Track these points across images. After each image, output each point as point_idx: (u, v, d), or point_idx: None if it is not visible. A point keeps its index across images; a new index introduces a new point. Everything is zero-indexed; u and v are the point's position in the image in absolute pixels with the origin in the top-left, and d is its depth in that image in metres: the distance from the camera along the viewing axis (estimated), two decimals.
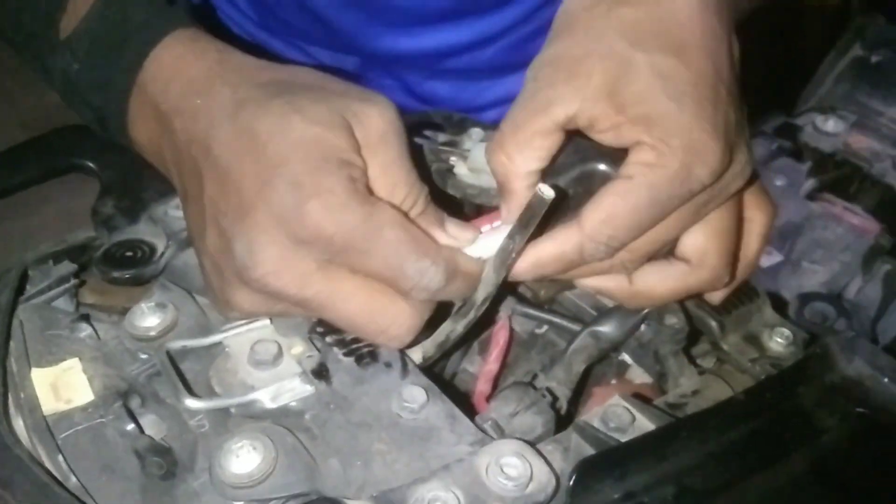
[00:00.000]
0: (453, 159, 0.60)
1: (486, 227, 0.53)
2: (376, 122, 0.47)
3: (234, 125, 0.47)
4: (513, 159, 0.49)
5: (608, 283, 0.53)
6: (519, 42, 0.92)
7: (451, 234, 0.50)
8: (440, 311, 0.51)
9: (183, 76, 0.52)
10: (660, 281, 0.52)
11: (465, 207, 0.62)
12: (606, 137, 0.48)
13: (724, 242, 0.52)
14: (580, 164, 0.50)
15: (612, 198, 0.47)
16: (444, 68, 0.94)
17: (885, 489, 0.48)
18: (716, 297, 0.55)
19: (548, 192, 0.45)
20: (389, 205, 0.47)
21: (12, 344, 0.51)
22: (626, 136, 0.47)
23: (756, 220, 0.55)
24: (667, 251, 0.52)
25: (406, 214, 0.48)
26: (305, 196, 0.44)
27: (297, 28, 0.92)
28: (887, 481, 0.49)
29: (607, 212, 0.47)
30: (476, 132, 0.69)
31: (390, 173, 0.47)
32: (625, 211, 0.47)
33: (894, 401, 0.51)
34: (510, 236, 0.48)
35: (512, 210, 0.50)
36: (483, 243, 0.50)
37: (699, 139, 0.46)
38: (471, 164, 0.59)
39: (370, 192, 0.47)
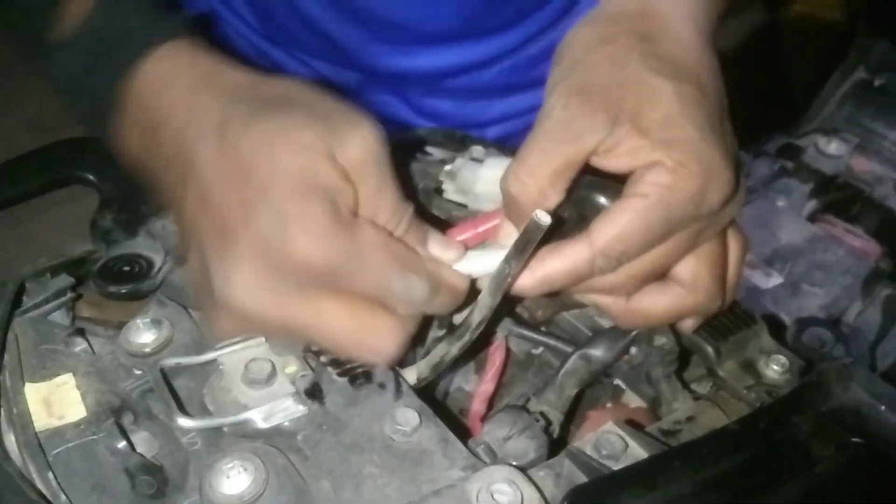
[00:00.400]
0: (442, 177, 0.61)
1: (466, 234, 0.53)
2: (358, 150, 0.46)
3: (218, 143, 0.47)
4: (546, 194, 0.49)
5: (606, 300, 0.53)
6: (520, 65, 0.92)
7: (434, 252, 0.50)
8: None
9: (174, 87, 0.51)
10: (655, 302, 0.53)
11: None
12: (620, 162, 0.49)
13: (715, 266, 0.53)
14: (574, 192, 0.50)
15: (626, 214, 0.48)
16: (444, 87, 0.94)
17: None
18: (687, 324, 0.55)
19: (545, 219, 0.46)
20: (372, 225, 0.46)
21: (7, 358, 0.52)
22: (643, 157, 0.48)
23: (732, 250, 0.55)
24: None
25: (390, 234, 0.48)
26: (289, 226, 0.44)
27: (300, 41, 0.93)
28: None
29: (621, 228, 0.48)
30: (477, 150, 0.69)
31: (371, 200, 0.47)
32: (639, 228, 0.48)
33: (891, 429, 0.50)
34: (506, 261, 0.48)
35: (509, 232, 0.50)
36: (469, 262, 0.51)
37: (717, 166, 0.48)
38: (459, 184, 0.59)
39: (355, 213, 0.47)
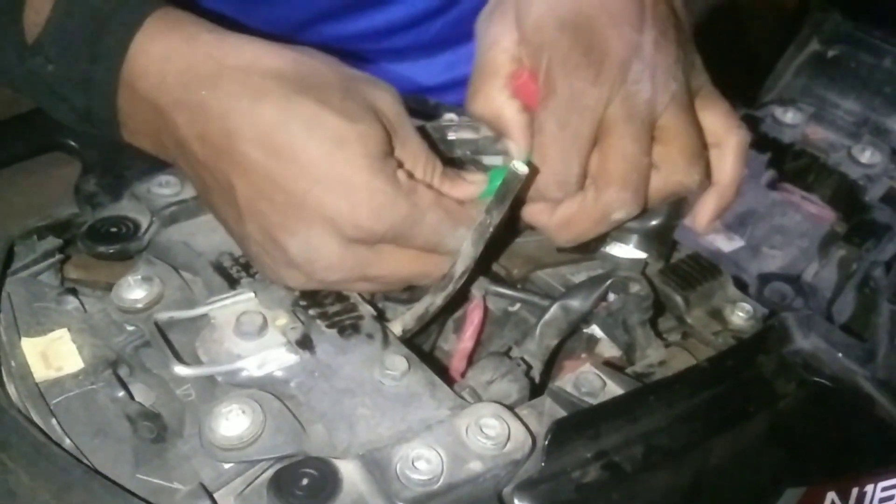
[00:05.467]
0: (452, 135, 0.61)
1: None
2: (392, 106, 0.51)
3: (258, 121, 0.48)
4: (492, 99, 0.54)
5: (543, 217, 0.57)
6: (466, 15, 0.88)
7: (471, 180, 0.54)
8: None
9: (178, 66, 0.50)
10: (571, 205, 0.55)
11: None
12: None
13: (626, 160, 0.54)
14: None
15: (538, 134, 0.53)
16: (387, 47, 0.93)
17: (836, 451, 0.51)
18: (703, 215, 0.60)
19: (522, 169, 0.48)
20: (424, 185, 0.51)
21: (0, 315, 0.52)
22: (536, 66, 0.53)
23: (728, 143, 0.58)
24: None
25: (432, 177, 0.53)
26: (357, 200, 0.48)
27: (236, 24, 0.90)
28: (839, 443, 0.52)
29: (537, 148, 0.53)
30: (450, 117, 0.71)
31: (410, 148, 0.51)
32: (549, 142, 0.52)
33: (847, 374, 0.54)
34: (487, 211, 0.50)
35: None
36: None
37: (577, 64, 0.51)
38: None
39: (410, 175, 0.51)
